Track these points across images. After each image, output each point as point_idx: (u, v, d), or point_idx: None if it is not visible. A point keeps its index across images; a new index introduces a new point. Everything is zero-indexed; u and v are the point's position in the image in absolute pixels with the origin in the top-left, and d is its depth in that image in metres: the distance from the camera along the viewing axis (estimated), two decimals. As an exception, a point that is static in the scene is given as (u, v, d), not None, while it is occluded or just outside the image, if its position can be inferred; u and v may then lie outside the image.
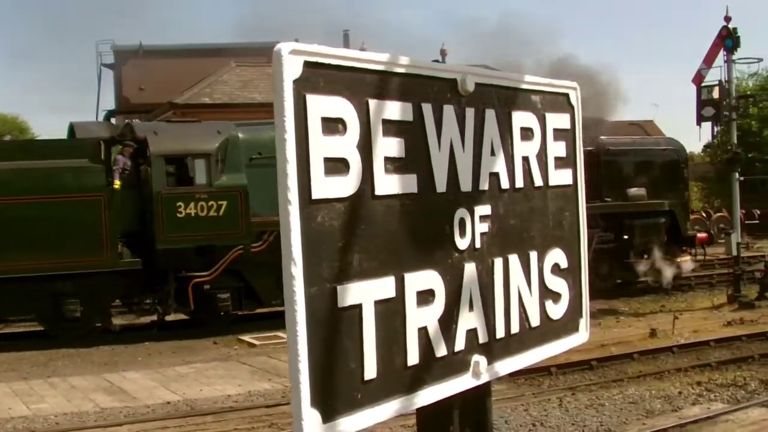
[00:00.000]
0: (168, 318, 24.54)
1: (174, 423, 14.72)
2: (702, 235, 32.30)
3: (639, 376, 18.65)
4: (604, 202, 29.84)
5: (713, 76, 29.77)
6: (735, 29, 28.94)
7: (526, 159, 2.75)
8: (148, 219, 23.42)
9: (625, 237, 30.38)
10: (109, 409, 15.70)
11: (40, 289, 22.11)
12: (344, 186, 2.11)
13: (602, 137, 30.97)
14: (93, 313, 23.33)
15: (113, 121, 37.47)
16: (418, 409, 2.49)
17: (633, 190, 30.82)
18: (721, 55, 29.46)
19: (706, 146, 29.95)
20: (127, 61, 50.39)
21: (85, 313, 22.95)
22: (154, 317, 24.58)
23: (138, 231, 23.57)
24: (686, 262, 30.92)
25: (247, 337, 22.79)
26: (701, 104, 29.45)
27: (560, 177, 2.92)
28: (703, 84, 29.57)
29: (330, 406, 2.07)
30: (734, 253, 28.72)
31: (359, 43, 52.41)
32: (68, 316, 22.65)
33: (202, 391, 17.02)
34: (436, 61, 2.63)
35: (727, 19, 28.93)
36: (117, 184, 22.96)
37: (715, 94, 29.05)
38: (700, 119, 29.95)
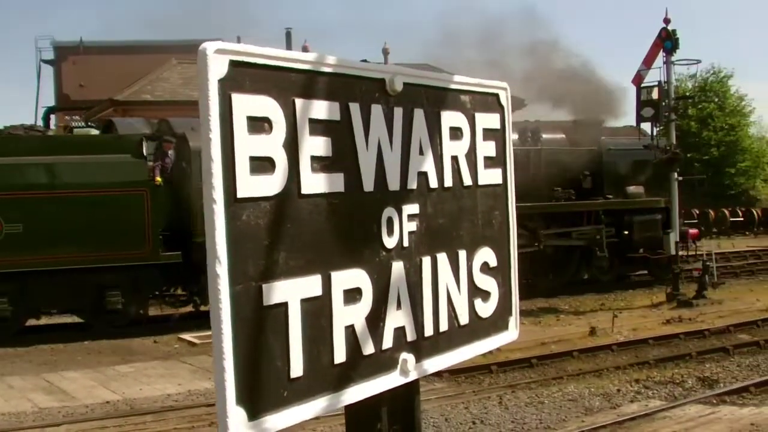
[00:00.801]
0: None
1: (113, 423, 14.62)
2: (693, 230, 33.68)
3: (578, 373, 18.82)
4: (607, 199, 31.87)
5: (653, 77, 30.10)
6: (674, 31, 29.29)
7: (455, 158, 2.77)
8: (185, 213, 23.76)
9: (626, 232, 31.87)
10: (48, 409, 15.55)
11: (83, 281, 22.66)
12: (270, 185, 2.11)
13: (603, 138, 32.69)
14: (132, 304, 23.96)
15: (53, 118, 37.09)
16: (346, 407, 2.50)
17: (632, 188, 32.55)
18: (661, 57, 29.78)
19: (644, 146, 30.08)
20: (67, 57, 49.95)
21: (125, 305, 23.56)
22: (191, 308, 25.52)
23: (176, 225, 24.08)
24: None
25: (187, 336, 22.70)
26: (641, 105, 29.76)
27: (490, 176, 2.94)
28: (642, 85, 29.88)
29: (256, 404, 2.08)
30: (672, 252, 29.05)
31: (302, 41, 52.30)
32: (109, 308, 23.23)
33: (142, 390, 16.91)
34: (363, 61, 2.62)
35: (666, 21, 29.27)
36: (159, 179, 23.73)
37: (655, 94, 29.36)
38: (640, 119, 30.27)
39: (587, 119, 34.19)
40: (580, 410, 15.48)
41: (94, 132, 26.97)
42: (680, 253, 31.35)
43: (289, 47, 47.00)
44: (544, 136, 31.74)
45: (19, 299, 22.50)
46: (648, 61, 29.98)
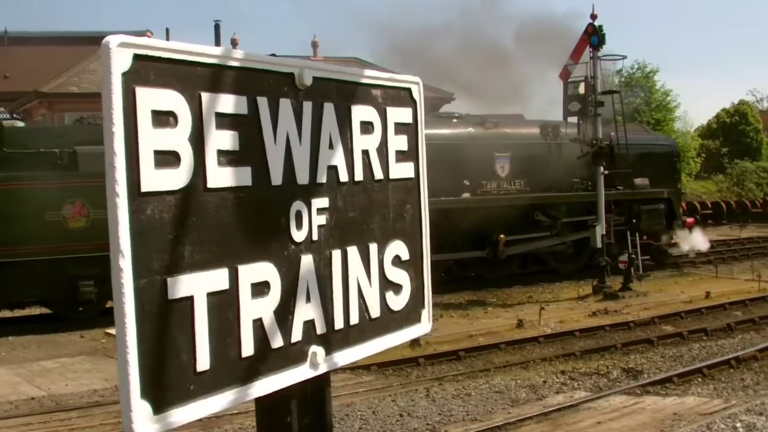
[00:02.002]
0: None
1: (38, 419, 14.43)
2: (690, 219, 37.87)
3: (505, 365, 18.97)
4: (618, 190, 33.30)
5: (580, 72, 30.37)
6: (600, 27, 29.60)
7: (366, 152, 2.78)
8: None
9: (634, 220, 33.75)
10: (-30, 405, 15.34)
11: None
12: (175, 179, 2.11)
13: (612, 134, 32.93)
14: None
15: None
16: (256, 400, 2.50)
17: (638, 180, 34.91)
18: (588, 52, 30.06)
19: (571, 140, 30.38)
20: (-10, 47, 49.16)
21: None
22: None
23: None
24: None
25: (114, 331, 22.46)
26: (567, 99, 30.05)
27: (402, 170, 2.95)
28: (569, 79, 30.16)
29: (161, 397, 2.07)
30: (598, 245, 29.33)
31: (231, 34, 52.00)
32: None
33: (68, 386, 16.73)
34: (272, 55, 2.62)
35: (593, 16, 29.57)
36: None
37: (581, 89, 29.66)
38: (567, 114, 30.55)
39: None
40: (506, 402, 15.61)
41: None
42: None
43: (217, 39, 46.72)
44: (562, 131, 33.04)
45: None
46: (575, 56, 30.25)
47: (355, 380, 17.38)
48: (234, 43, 52.62)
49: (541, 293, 29.83)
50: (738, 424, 13.10)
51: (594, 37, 29.51)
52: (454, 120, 32.41)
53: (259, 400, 2.51)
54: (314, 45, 58.48)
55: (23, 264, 22.18)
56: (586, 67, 30.16)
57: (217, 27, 45.06)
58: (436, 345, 20.81)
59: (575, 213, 33.34)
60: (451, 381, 17.42)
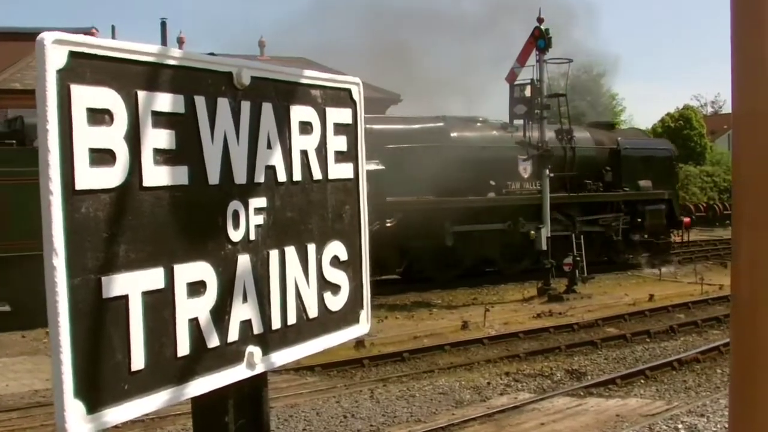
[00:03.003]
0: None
1: (-23, 420, 14.31)
2: (687, 219, 41.45)
3: (450, 367, 19.06)
4: (625, 191, 37.43)
5: (526, 75, 30.59)
6: (547, 30, 29.80)
7: (304, 153, 2.78)
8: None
9: (639, 219, 37.85)
10: None
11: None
12: (110, 177, 2.10)
13: (619, 138, 38.67)
14: None
15: None
16: (192, 400, 2.49)
17: (642, 182, 38.42)
18: (534, 55, 30.28)
19: (517, 143, 30.59)
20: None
21: None
22: None
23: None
24: None
25: (56, 331, 22.26)
26: (514, 102, 30.26)
27: (341, 171, 2.96)
28: (516, 82, 30.36)
29: (95, 397, 2.06)
30: (543, 247, 29.52)
31: (177, 32, 51.69)
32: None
33: (9, 386, 16.58)
34: (210, 54, 2.61)
35: (540, 20, 29.76)
36: None
37: (527, 92, 29.87)
38: (513, 116, 30.76)
39: (601, 121, 43.54)
40: (450, 403, 15.68)
41: None
42: (675, 239, 39.56)
43: (164, 37, 46.42)
44: (576, 135, 36.23)
45: None
46: (522, 59, 30.46)
47: (299, 381, 17.37)
48: (180, 42, 52.37)
49: (486, 295, 29.99)
50: (680, 426, 13.25)
51: (540, 40, 29.73)
52: (478, 124, 34.43)
53: (195, 400, 2.50)
54: (261, 44, 58.38)
55: None
56: (532, 70, 30.39)
57: (163, 24, 44.73)
58: (380, 346, 20.86)
59: (588, 212, 36.05)
60: (396, 382, 17.47)
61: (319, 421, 14.31)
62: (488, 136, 33.72)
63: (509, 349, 21.15)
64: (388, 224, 29.40)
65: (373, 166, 27.58)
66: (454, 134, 32.21)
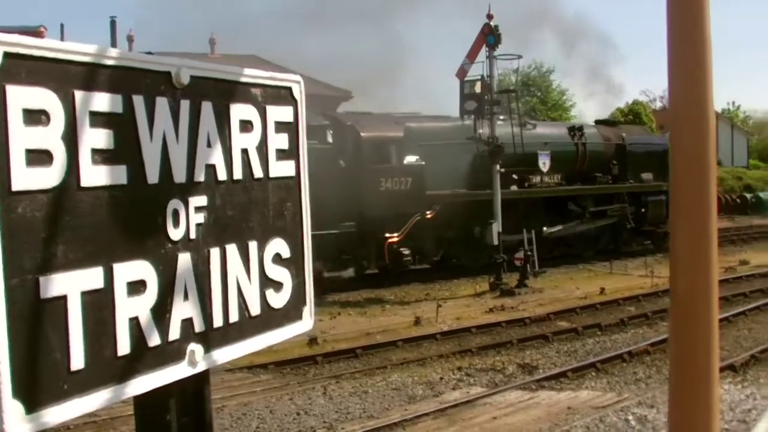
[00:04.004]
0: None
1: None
2: None
3: (403, 363, 19.12)
4: (630, 183, 40.58)
5: (477, 71, 30.71)
6: (497, 26, 29.92)
7: (245, 151, 2.79)
8: (357, 191, 29.38)
9: (642, 210, 41.32)
10: None
11: None
12: (47, 177, 2.09)
13: (624, 134, 41.82)
14: (320, 265, 27.76)
15: None
16: (135, 400, 2.50)
17: (645, 175, 41.63)
18: (484, 51, 30.39)
19: (468, 138, 30.74)
20: None
21: (316, 265, 26.21)
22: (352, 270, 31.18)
23: (352, 201, 29.44)
24: None
25: None
26: (464, 98, 30.36)
27: (282, 169, 2.97)
28: (466, 78, 30.46)
29: (33, 397, 2.06)
30: (495, 242, 29.64)
31: (127, 30, 51.34)
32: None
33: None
34: (148, 53, 2.61)
35: (490, 16, 29.89)
36: (341, 163, 28.78)
37: (478, 88, 30.00)
38: (463, 112, 30.88)
39: (607, 119, 49.77)
40: (403, 399, 15.73)
41: None
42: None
43: (113, 35, 46.01)
44: (585, 131, 39.53)
45: None
46: (472, 56, 30.57)
47: (253, 379, 17.35)
48: (130, 39, 52.06)
49: (439, 290, 30.09)
50: (630, 417, 13.39)
51: (490, 36, 29.85)
52: (499, 122, 35.06)
53: (137, 399, 2.51)
54: (212, 42, 58.18)
55: None
56: (482, 67, 30.52)
57: (113, 23, 44.44)
58: (333, 343, 20.88)
59: (599, 203, 39.28)
60: (349, 379, 17.50)
61: (273, 419, 14.31)
62: (509, 132, 34.89)
63: (461, 344, 21.25)
64: (428, 215, 31.88)
65: (414, 162, 31.19)
66: (480, 130, 33.09)
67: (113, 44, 53.29)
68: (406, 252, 31.11)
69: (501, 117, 35.72)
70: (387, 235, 30.71)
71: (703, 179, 3.24)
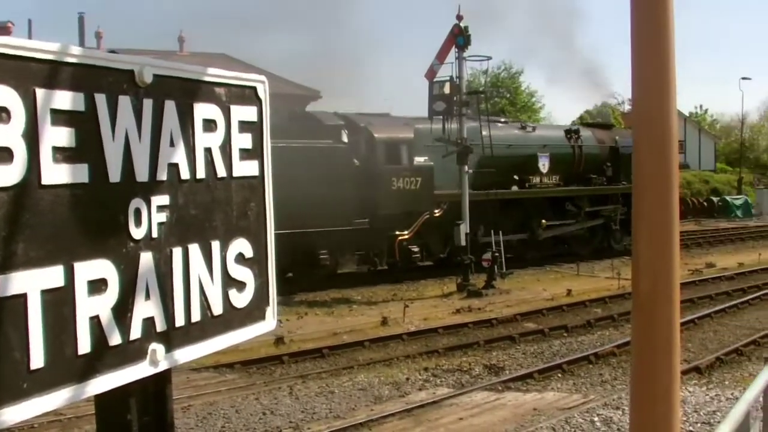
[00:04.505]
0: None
1: None
2: None
3: (369, 363, 19.09)
4: (623, 185, 40.59)
5: (446, 72, 30.74)
6: (466, 27, 29.95)
7: (208, 150, 2.78)
8: (371, 190, 30.46)
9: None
10: None
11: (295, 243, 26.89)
12: (8, 175, 2.08)
13: (617, 137, 42.62)
14: (335, 261, 30.72)
15: None
16: (95, 398, 2.49)
17: None
18: (453, 52, 30.42)
19: (436, 139, 30.79)
20: None
21: (331, 261, 30.40)
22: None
23: (365, 199, 30.51)
24: None
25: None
26: (433, 99, 30.38)
27: (246, 168, 2.96)
28: (435, 79, 30.47)
29: (-8, 396, 2.05)
30: (462, 243, 29.69)
31: (95, 27, 51.07)
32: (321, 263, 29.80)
33: None
34: (112, 51, 2.61)
35: (459, 17, 29.90)
36: (356, 162, 29.65)
37: (447, 89, 29.99)
38: (432, 113, 30.89)
39: (601, 122, 50.80)
40: (369, 399, 15.70)
41: None
42: None
43: (81, 32, 45.79)
44: (582, 134, 40.87)
45: None
46: (441, 56, 30.59)
47: (218, 379, 17.29)
48: (98, 36, 51.76)
49: (406, 291, 30.10)
50: (596, 418, 13.44)
51: (460, 37, 29.88)
52: (500, 125, 38.00)
53: (98, 398, 2.50)
54: (181, 40, 57.94)
55: None
56: (451, 68, 30.56)
57: (81, 19, 44.23)
58: (300, 343, 20.85)
59: (594, 203, 40.74)
60: (315, 379, 17.46)
61: (238, 419, 14.26)
62: (511, 135, 37.38)
63: (428, 345, 21.25)
64: (437, 213, 33.02)
65: (423, 162, 32.33)
66: (485, 133, 33.82)
67: (81, 41, 53.01)
68: (415, 249, 32.52)
69: (502, 120, 39.09)
70: (397, 232, 31.92)
71: (665, 183, 3.26)
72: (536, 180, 38.41)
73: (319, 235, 28.99)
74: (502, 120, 38.39)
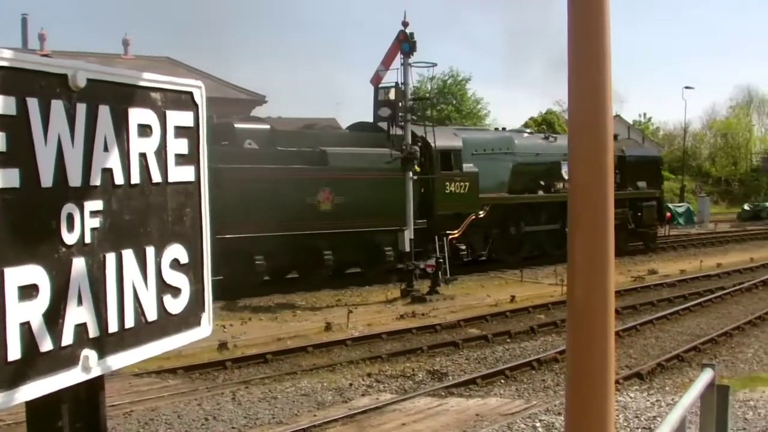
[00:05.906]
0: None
1: None
2: (668, 214, 52.59)
3: (313, 368, 19.06)
4: (630, 191, 45.84)
5: (392, 78, 30.79)
6: (412, 34, 30.01)
7: (143, 155, 2.76)
8: (428, 193, 34.68)
9: (639, 214, 46.68)
10: None
11: (364, 241, 32.54)
12: (-64, 179, 2.07)
13: (623, 147, 46.77)
14: (397, 258, 32.52)
15: None
16: (27, 405, 2.47)
17: (640, 183, 47.49)
18: (399, 58, 30.48)
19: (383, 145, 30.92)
20: None
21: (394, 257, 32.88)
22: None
23: (423, 202, 34.02)
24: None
25: None
26: (378, 105, 30.41)
27: (181, 174, 2.95)
28: (381, 85, 30.50)
29: None
30: (406, 249, 29.74)
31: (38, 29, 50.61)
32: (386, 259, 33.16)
33: None
34: (45, 55, 2.59)
35: (405, 24, 29.97)
36: (417, 168, 31.39)
37: (392, 95, 30.05)
38: (377, 119, 30.94)
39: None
40: (312, 405, 15.69)
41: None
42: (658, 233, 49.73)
43: (24, 33, 45.29)
44: None
45: None
46: (387, 62, 30.64)
47: (161, 384, 17.18)
48: (42, 38, 51.28)
49: (350, 296, 30.09)
50: (538, 424, 13.52)
51: (405, 44, 29.94)
52: (526, 135, 43.46)
53: (29, 405, 2.48)
54: (125, 43, 57.54)
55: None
56: (397, 74, 30.62)
57: (24, 20, 43.80)
58: (243, 348, 20.78)
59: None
60: (258, 384, 17.41)
61: (180, 424, 14.18)
62: (537, 144, 42.34)
63: (372, 350, 21.26)
64: (481, 215, 37.26)
65: (470, 168, 36.54)
66: (517, 142, 40.62)
67: (24, 43, 52.47)
68: (463, 247, 36.49)
69: (527, 131, 44.91)
70: (448, 231, 35.14)
71: (600, 190, 3.29)
72: (560, 185, 41.62)
73: (383, 234, 32.19)
74: (528, 131, 43.42)
